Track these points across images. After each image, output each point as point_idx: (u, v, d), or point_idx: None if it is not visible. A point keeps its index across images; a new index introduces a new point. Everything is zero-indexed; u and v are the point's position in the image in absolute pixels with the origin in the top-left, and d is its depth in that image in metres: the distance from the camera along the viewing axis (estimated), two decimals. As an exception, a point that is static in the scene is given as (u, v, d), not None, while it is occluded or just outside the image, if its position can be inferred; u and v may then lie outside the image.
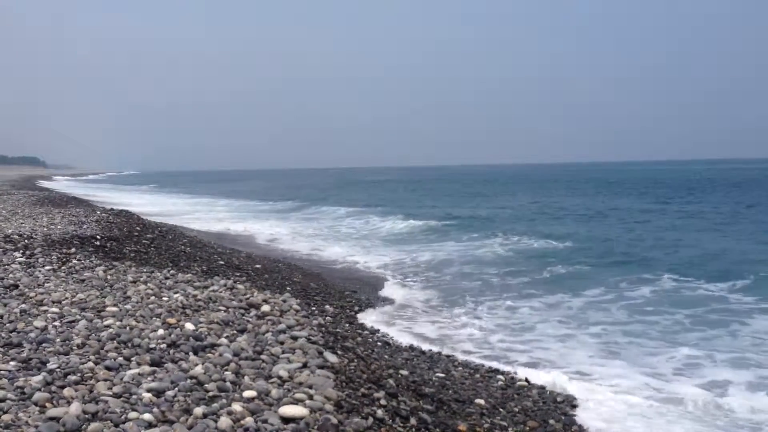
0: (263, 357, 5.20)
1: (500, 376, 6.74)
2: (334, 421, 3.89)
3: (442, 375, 6.49)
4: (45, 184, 61.01)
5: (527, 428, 5.24)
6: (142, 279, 8.21)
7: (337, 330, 6.90)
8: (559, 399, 6.13)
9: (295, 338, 5.67)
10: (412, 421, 4.42)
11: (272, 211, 33.59)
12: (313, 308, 8.65)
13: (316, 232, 22.15)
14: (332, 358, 5.18)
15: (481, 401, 5.73)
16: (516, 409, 5.71)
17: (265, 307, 6.85)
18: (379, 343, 7.64)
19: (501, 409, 5.64)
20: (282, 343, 5.57)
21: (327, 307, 9.07)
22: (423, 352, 7.52)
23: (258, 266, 11.92)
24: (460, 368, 6.98)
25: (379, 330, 8.43)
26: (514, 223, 23.98)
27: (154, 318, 6.19)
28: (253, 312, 6.76)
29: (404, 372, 5.96)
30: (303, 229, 22.92)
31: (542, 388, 6.43)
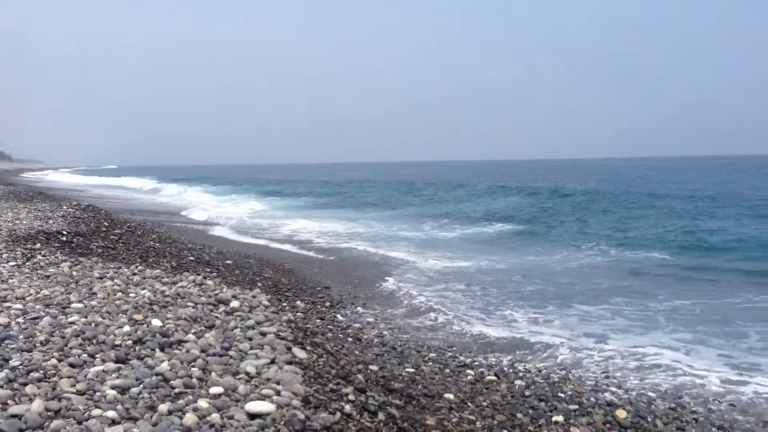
0: (231, 353, 5.17)
1: (470, 371, 6.76)
2: (301, 416, 3.88)
3: (412, 370, 6.51)
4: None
5: (495, 422, 5.27)
6: (108, 275, 8.10)
7: (307, 326, 6.88)
8: (527, 393, 6.17)
9: (263, 334, 5.65)
10: (381, 416, 4.42)
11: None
12: (284, 304, 8.61)
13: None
14: (301, 353, 5.17)
15: (450, 396, 5.75)
16: (485, 404, 5.74)
17: (234, 303, 6.81)
18: (350, 339, 7.63)
19: (470, 404, 5.68)
20: (250, 339, 5.55)
21: (298, 302, 9.03)
22: (394, 348, 7.53)
23: (229, 262, 11.84)
24: (431, 363, 6.99)
25: (350, 325, 8.43)
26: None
27: (121, 314, 6.12)
28: (222, 308, 6.71)
29: (374, 367, 5.97)
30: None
31: (511, 382, 6.48)
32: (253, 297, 7.41)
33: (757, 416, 5.83)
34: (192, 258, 11.52)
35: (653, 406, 5.99)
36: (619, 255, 15.83)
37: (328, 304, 9.53)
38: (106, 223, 14.20)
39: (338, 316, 8.89)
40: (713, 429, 5.52)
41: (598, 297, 10.83)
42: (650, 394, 6.35)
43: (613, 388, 6.45)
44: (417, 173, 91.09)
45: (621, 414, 5.69)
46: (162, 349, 5.20)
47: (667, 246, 16.67)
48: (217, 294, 7.24)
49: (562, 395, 6.14)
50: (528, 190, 39.38)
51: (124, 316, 6.07)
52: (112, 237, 12.34)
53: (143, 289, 7.34)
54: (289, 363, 4.90)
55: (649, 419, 5.65)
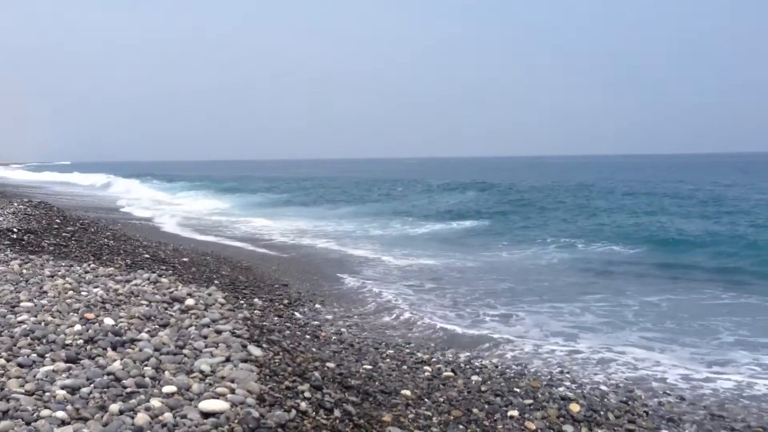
0: (185, 351, 5.10)
1: (427, 368, 6.80)
2: (256, 414, 3.85)
3: (370, 367, 6.51)
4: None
5: (451, 417, 5.31)
6: (60, 273, 7.91)
7: (264, 323, 6.83)
8: (483, 388, 6.23)
9: (219, 332, 5.59)
10: (337, 413, 4.42)
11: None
12: (242, 302, 8.54)
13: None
14: (256, 351, 5.13)
15: (407, 392, 5.77)
16: (441, 399, 5.78)
17: (190, 301, 6.72)
18: (307, 336, 7.60)
19: (426, 400, 5.70)
20: (205, 337, 5.48)
21: (256, 300, 8.97)
22: (352, 345, 7.52)
23: (185, 259, 11.68)
24: (388, 360, 7.01)
25: (308, 323, 8.40)
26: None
27: (72, 313, 5.99)
28: (177, 306, 6.61)
29: (331, 364, 5.96)
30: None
31: (468, 378, 6.53)
32: (209, 295, 7.31)
33: (706, 409, 5.99)
34: (147, 255, 11.33)
35: (606, 400, 6.11)
36: (586, 250, 16.18)
37: (286, 301, 9.48)
38: (58, 221, 13.87)
39: (296, 313, 8.85)
40: (663, 421, 5.65)
41: (563, 293, 11.02)
42: (603, 388, 6.48)
43: (568, 383, 6.55)
44: (398, 170, 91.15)
45: (574, 408, 5.79)
46: (114, 348, 5.11)
47: (633, 241, 17.08)
48: (172, 292, 7.13)
49: (518, 390, 6.22)
50: (499, 186, 39.78)
51: (75, 314, 5.93)
52: (64, 234, 12.07)
53: (96, 287, 7.18)
54: (245, 361, 4.85)
55: (602, 412, 5.75)
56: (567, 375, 6.85)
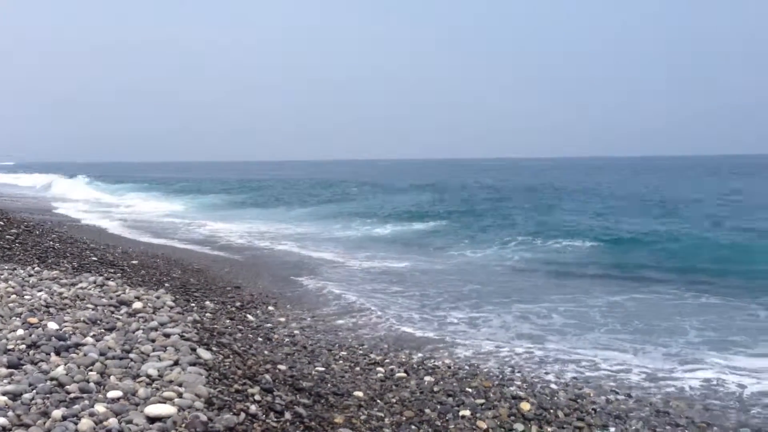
0: (132, 355, 4.98)
1: (380, 369, 6.79)
2: (204, 418, 3.79)
3: (322, 369, 6.47)
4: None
5: (403, 418, 5.31)
6: (2, 277, 7.66)
7: (215, 326, 6.72)
8: (436, 389, 6.26)
9: (167, 335, 5.48)
10: (287, 415, 4.37)
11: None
12: (192, 304, 8.41)
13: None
14: (206, 354, 5.05)
15: (360, 393, 5.76)
16: (393, 400, 5.78)
17: (137, 304, 6.57)
18: (260, 339, 7.51)
19: (379, 401, 5.70)
20: (153, 340, 5.37)
21: (207, 303, 8.84)
22: (305, 347, 7.47)
23: (134, 262, 11.44)
24: (341, 362, 6.98)
25: (261, 325, 8.31)
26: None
27: (14, 318, 5.80)
28: (124, 309, 6.46)
29: (282, 367, 5.90)
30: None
31: (421, 379, 6.55)
32: (158, 298, 7.18)
33: (651, 406, 6.12)
34: (95, 258, 11.06)
35: (556, 398, 6.19)
36: (545, 248, 16.47)
37: (238, 304, 9.36)
38: (1, 223, 13.44)
39: (249, 316, 8.74)
40: (610, 418, 5.76)
41: (528, 293, 11.18)
42: (554, 386, 6.57)
43: (519, 382, 6.62)
44: (357, 172, 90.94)
45: (525, 406, 5.86)
46: (58, 353, 4.96)
47: (588, 240, 17.47)
48: (119, 295, 6.97)
49: (470, 390, 6.25)
50: (453, 187, 40.09)
51: (18, 319, 5.75)
52: (7, 237, 11.69)
53: (40, 291, 6.98)
54: (193, 364, 4.77)
55: (552, 410, 5.83)
56: (518, 374, 6.92)
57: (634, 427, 5.61)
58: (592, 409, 5.96)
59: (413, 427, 5.17)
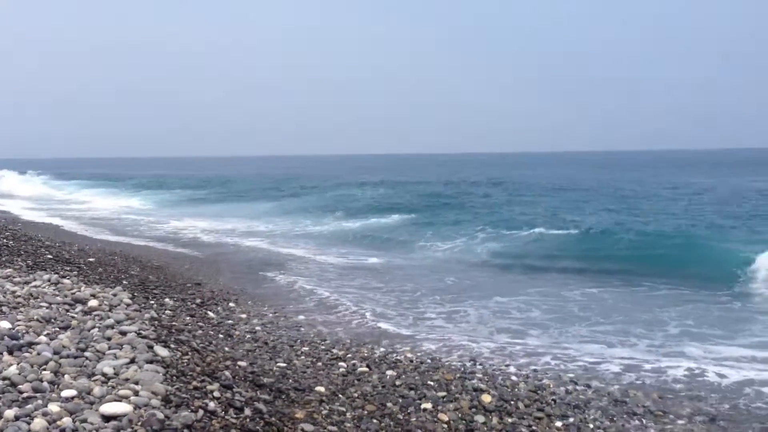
0: (87, 354, 4.88)
1: (342, 363, 6.78)
2: (160, 416, 3.72)
3: (284, 365, 6.43)
4: None
5: (365, 412, 5.30)
6: (-48, 275, 7.44)
7: (173, 323, 6.62)
8: (398, 382, 6.26)
9: (123, 333, 5.38)
10: (247, 411, 4.33)
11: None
12: (152, 302, 8.27)
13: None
14: (163, 352, 4.96)
15: (322, 388, 5.73)
16: (355, 395, 5.77)
17: (93, 302, 6.43)
18: (221, 336, 7.43)
19: (341, 395, 5.68)
20: (109, 338, 5.26)
21: (167, 300, 8.70)
22: (266, 343, 7.41)
23: (91, 259, 11.20)
24: (303, 357, 6.94)
25: (222, 322, 8.21)
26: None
27: (-36, 317, 5.63)
28: (80, 307, 6.32)
29: (243, 363, 5.84)
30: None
31: (383, 373, 6.55)
32: (114, 295, 7.03)
33: (610, 395, 6.22)
34: (50, 256, 10.80)
35: (517, 390, 6.25)
36: (513, 241, 16.62)
37: (198, 301, 9.24)
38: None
39: (209, 313, 8.63)
40: (570, 408, 5.83)
41: (491, 284, 11.32)
42: (515, 378, 6.63)
43: (480, 374, 6.66)
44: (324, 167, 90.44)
45: (486, 398, 5.90)
46: (10, 353, 4.83)
47: (556, 231, 17.68)
48: (74, 293, 6.81)
49: (432, 383, 6.27)
50: (412, 182, 40.22)
51: (-33, 319, 5.58)
52: (-42, 235, 11.36)
53: (-9, 289, 6.79)
54: (150, 362, 4.68)
55: (512, 402, 5.88)
56: (480, 367, 6.97)
57: (592, 416, 5.69)
58: (552, 399, 6.03)
59: (375, 421, 5.16)
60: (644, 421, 5.65)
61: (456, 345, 7.85)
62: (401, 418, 5.34)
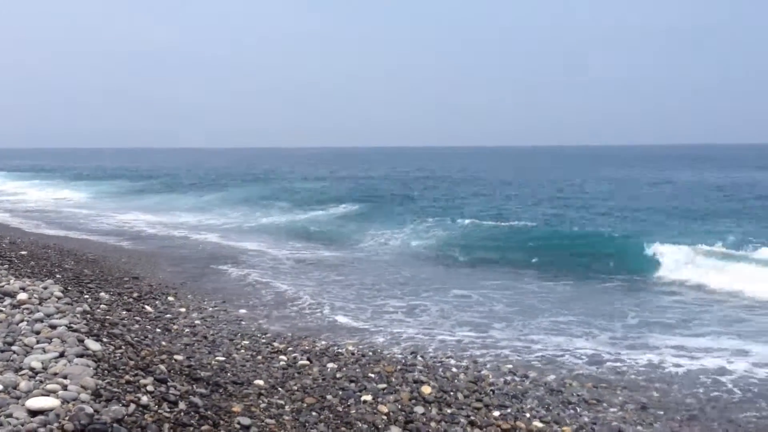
0: (15, 348, 4.69)
1: (283, 357, 6.72)
2: (89, 410, 3.61)
3: (222, 358, 6.33)
4: None
5: (304, 405, 5.26)
6: None
7: (107, 317, 6.44)
8: (338, 375, 6.24)
9: (53, 327, 5.20)
10: (182, 405, 4.23)
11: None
12: (86, 296, 8.04)
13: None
14: (94, 345, 4.82)
15: (261, 382, 5.67)
16: (295, 388, 5.72)
17: (22, 295, 6.20)
18: (158, 330, 7.27)
19: (280, 389, 5.62)
20: (38, 332, 5.08)
21: (102, 294, 8.47)
22: (205, 337, 7.29)
23: (23, 253, 10.81)
24: (243, 351, 6.86)
25: (161, 316, 8.04)
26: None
27: None
28: (8, 301, 6.08)
29: (179, 357, 5.72)
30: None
31: (324, 366, 6.51)
32: (45, 288, 6.79)
33: (546, 385, 6.34)
34: (-22, 249, 10.39)
35: (456, 381, 6.31)
36: (457, 231, 16.82)
37: (135, 294, 9.02)
38: None
39: (147, 307, 8.44)
40: (507, 398, 5.92)
41: (442, 277, 11.36)
42: (455, 370, 6.69)
43: (421, 367, 6.70)
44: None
45: (426, 390, 5.93)
46: (-68, 349, 4.61)
47: (497, 222, 18.05)
48: (2, 286, 6.55)
49: (372, 375, 6.28)
50: (351, 175, 40.26)
51: None
52: None
53: None
54: (81, 356, 4.53)
55: (452, 393, 5.93)
56: (420, 359, 7.01)
57: (529, 406, 5.78)
58: (491, 390, 6.11)
59: (314, 413, 5.13)
60: (578, 409, 5.78)
61: (408, 338, 7.90)
62: (341, 410, 5.32)
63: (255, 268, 12.06)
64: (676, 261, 12.51)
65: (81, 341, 4.85)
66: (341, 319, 8.73)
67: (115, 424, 3.53)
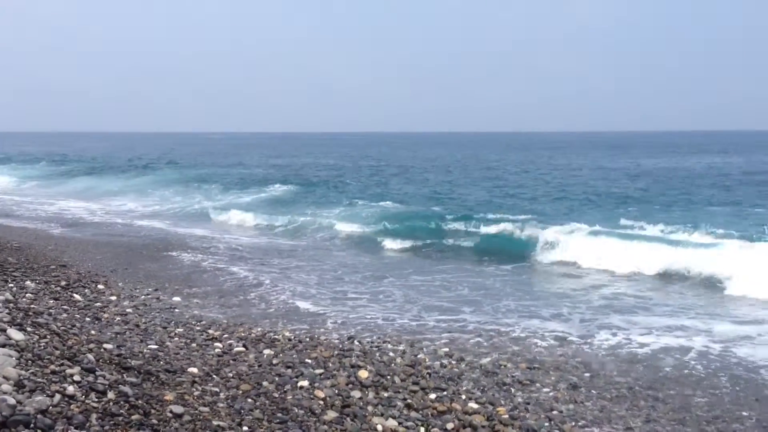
0: (-72, 339, 4.46)
1: (218, 344, 6.61)
2: (11, 401, 3.45)
3: (155, 347, 6.18)
4: None
5: (240, 392, 5.19)
6: None
7: (31, 306, 6.19)
8: (275, 361, 6.17)
9: (-28, 316, 4.96)
10: (110, 395, 4.10)
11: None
12: (11, 285, 7.72)
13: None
14: (17, 335, 4.62)
15: (195, 369, 5.55)
16: (230, 375, 5.63)
17: (-62, 284, 5.90)
18: (87, 319, 7.03)
19: (215, 376, 5.52)
20: (-45, 322, 4.84)
21: (28, 282, 8.14)
22: (137, 325, 7.10)
23: (-60, 241, 10.31)
24: (177, 339, 6.71)
25: (90, 305, 7.78)
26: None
27: None
28: None
29: (109, 346, 5.54)
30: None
31: (260, 352, 6.44)
32: (-35, 277, 6.48)
33: (482, 368, 6.43)
34: None
35: (393, 365, 6.33)
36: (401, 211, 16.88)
37: (63, 283, 8.71)
38: None
39: (76, 295, 8.16)
40: (443, 381, 5.98)
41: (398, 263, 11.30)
42: (391, 354, 6.72)
43: (358, 351, 6.70)
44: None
45: (363, 374, 5.94)
46: None
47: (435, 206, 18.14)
48: None
49: (309, 361, 6.25)
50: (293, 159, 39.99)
51: None
52: None
53: None
54: (3, 346, 4.34)
55: (389, 377, 5.95)
56: (357, 344, 7.01)
57: (465, 388, 5.86)
58: (427, 373, 6.16)
59: (250, 400, 5.06)
60: (513, 390, 5.89)
61: (337, 323, 7.90)
62: (277, 396, 5.27)
63: (215, 256, 11.84)
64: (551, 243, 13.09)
65: (3, 331, 4.64)
66: (302, 304, 8.72)
67: (39, 416, 3.39)
